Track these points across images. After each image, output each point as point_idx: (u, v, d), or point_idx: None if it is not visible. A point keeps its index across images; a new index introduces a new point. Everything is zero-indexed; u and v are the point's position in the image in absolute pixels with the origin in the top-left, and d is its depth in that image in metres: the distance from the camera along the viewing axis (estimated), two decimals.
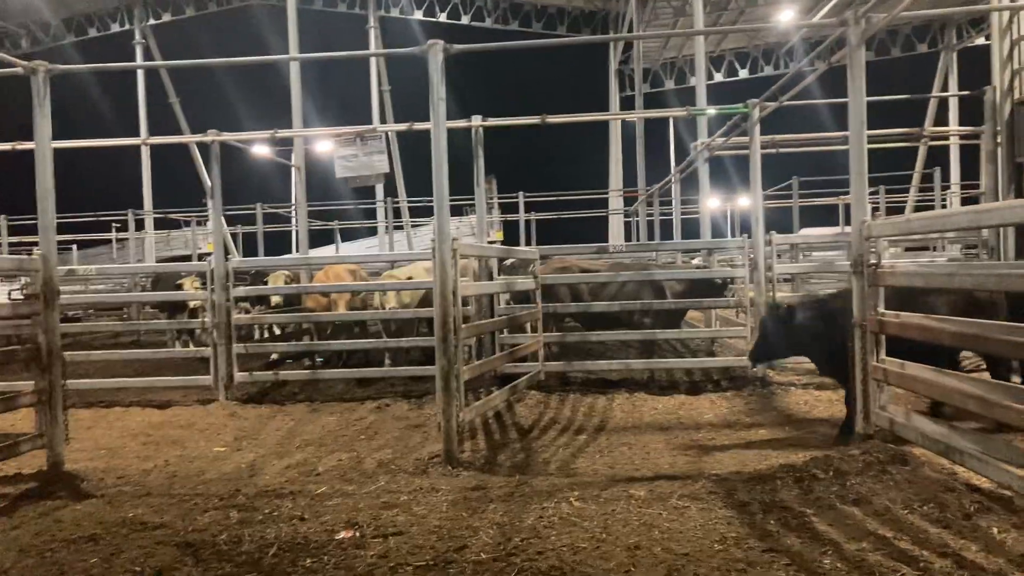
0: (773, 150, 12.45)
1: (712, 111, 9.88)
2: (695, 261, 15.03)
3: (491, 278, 9.50)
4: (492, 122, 9.49)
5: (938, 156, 20.71)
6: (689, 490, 5.06)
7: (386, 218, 24.18)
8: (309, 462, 6.38)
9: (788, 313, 6.54)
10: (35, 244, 6.19)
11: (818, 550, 3.98)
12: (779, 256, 10.24)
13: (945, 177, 20.06)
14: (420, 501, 5.10)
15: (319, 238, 26.44)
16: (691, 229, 24.00)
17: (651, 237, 21.85)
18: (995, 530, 4.10)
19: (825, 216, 24.29)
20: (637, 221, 23.90)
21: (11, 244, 20.99)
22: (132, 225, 21.60)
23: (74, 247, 23.69)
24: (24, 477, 5.93)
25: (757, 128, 9.03)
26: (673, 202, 18.11)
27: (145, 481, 5.92)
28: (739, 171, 19.68)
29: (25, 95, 6.01)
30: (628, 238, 26.74)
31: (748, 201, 10.11)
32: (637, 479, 5.41)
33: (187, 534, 4.59)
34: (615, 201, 27.42)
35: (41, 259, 5.86)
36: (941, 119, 22.01)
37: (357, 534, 4.51)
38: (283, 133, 10.00)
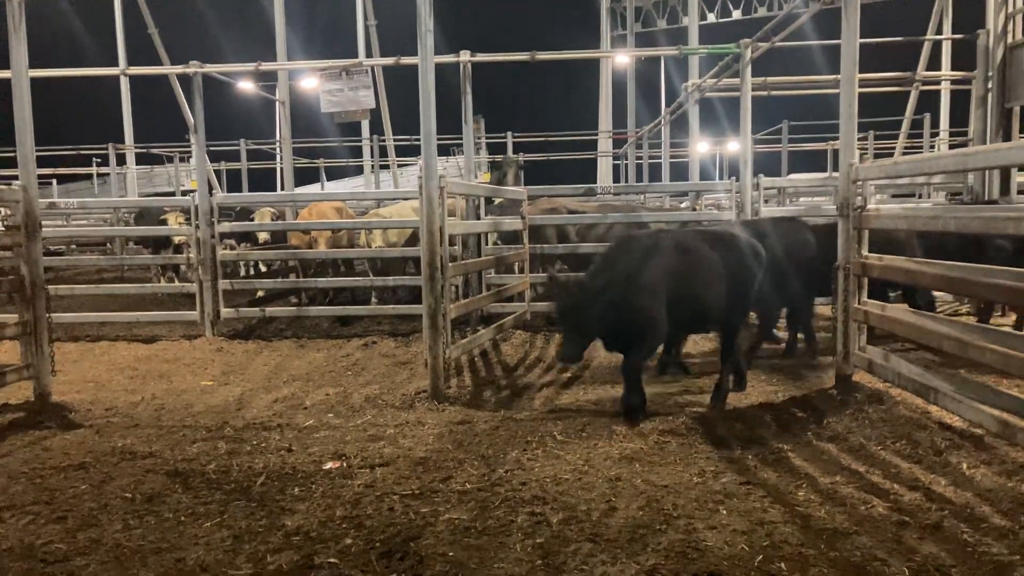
0: (764, 92, 12.34)
1: (704, 50, 9.73)
2: (683, 204, 15.02)
3: (478, 218, 9.47)
4: (481, 57, 9.30)
5: (929, 102, 20.56)
6: (670, 426, 5.17)
7: (372, 156, 23.85)
8: (296, 396, 6.45)
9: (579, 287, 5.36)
10: (14, 177, 6.10)
11: (793, 483, 4.10)
12: (766, 201, 10.23)
13: (935, 124, 19.97)
14: (407, 434, 5.19)
15: (304, 176, 26.11)
16: (680, 173, 23.89)
17: (640, 180, 21.76)
18: (964, 466, 4.23)
19: (814, 163, 24.25)
20: (626, 164, 23.75)
21: None
22: (113, 160, 21.21)
23: (54, 181, 23.28)
24: (11, 407, 5.97)
25: (748, 69, 8.92)
26: (663, 145, 17.96)
27: (133, 413, 5.97)
28: (729, 115, 19.50)
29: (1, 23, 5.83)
30: (616, 180, 26.61)
31: (737, 145, 10.06)
32: (619, 415, 5.51)
33: (176, 463, 4.66)
34: (604, 143, 27.16)
35: (21, 190, 5.77)
36: (934, 66, 21.78)
37: (344, 465, 4.59)
38: (267, 66, 9.77)
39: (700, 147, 16.74)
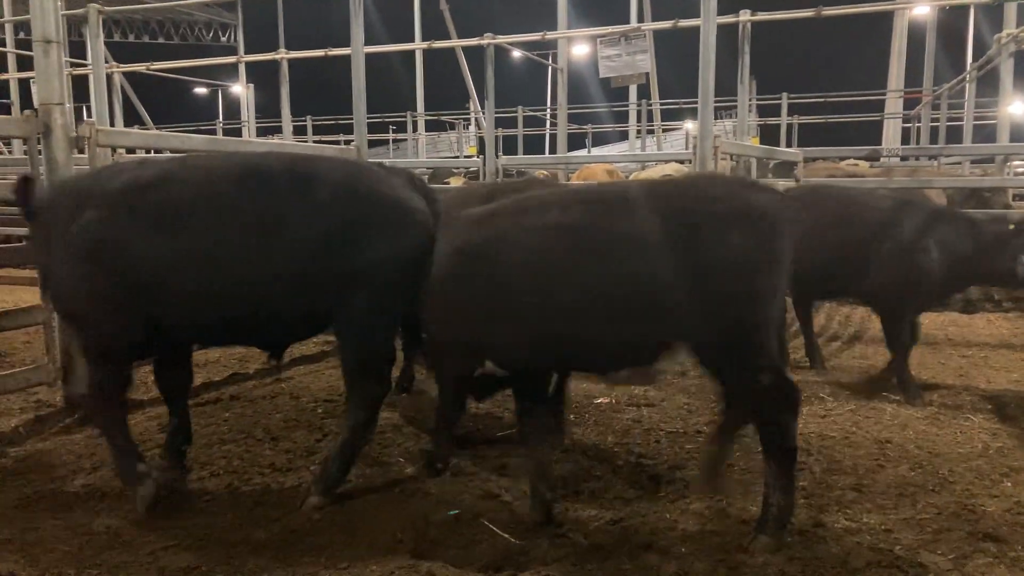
0: None
1: None
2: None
3: None
4: (762, 16, 9.07)
5: None
6: (951, 400, 4.92)
7: (639, 121, 24.03)
8: None
9: None
10: (335, 143, 7.29)
11: None
12: None
13: None
14: (671, 382, 5.48)
15: (571, 142, 27.02)
16: (986, 138, 21.01)
17: (935, 144, 19.57)
18: None
19: None
20: (918, 127, 21.40)
21: (315, 141, 24.08)
22: (410, 126, 23.69)
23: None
24: None
25: None
26: (966, 104, 15.97)
27: None
28: None
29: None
30: (907, 144, 24.08)
31: None
32: (893, 385, 5.32)
33: None
34: (893, 103, 24.67)
35: (355, 148, 6.92)
36: None
37: (613, 401, 5.04)
38: (552, 35, 10.43)
39: (1015, 108, 14.66)
